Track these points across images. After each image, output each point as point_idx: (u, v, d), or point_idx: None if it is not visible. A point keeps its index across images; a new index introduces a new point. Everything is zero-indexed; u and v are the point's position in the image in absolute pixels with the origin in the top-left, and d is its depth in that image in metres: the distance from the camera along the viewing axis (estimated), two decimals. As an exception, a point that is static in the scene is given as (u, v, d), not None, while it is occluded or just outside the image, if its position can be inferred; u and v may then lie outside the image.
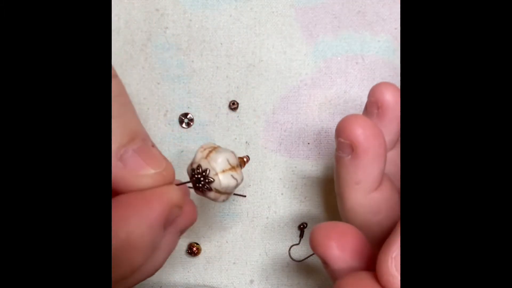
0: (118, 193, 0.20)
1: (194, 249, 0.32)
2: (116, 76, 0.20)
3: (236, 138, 0.32)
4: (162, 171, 0.21)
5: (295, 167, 0.32)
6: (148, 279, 0.32)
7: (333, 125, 0.31)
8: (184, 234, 0.32)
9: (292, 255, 0.32)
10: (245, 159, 0.25)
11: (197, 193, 0.23)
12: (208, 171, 0.22)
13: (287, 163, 0.32)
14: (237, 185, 0.23)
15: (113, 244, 0.18)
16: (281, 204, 0.32)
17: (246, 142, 0.32)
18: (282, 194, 0.32)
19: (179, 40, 0.31)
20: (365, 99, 0.31)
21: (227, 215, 0.32)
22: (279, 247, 0.32)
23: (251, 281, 0.32)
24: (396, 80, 0.31)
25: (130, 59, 0.31)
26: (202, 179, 0.22)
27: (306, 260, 0.32)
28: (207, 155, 0.23)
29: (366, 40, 0.31)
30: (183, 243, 0.32)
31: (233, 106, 0.31)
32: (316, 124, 0.31)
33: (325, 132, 0.31)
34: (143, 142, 0.21)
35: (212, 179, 0.22)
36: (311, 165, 0.32)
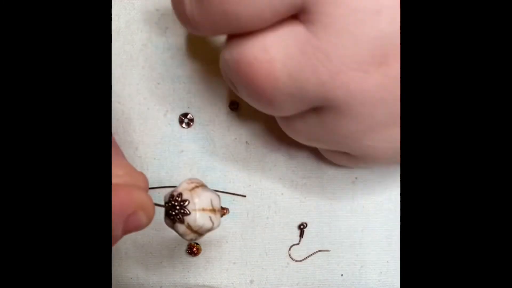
0: None
1: (194, 249, 0.32)
2: None
3: (236, 138, 0.32)
4: (132, 173, 0.21)
5: (295, 167, 0.32)
6: (148, 279, 0.32)
7: (333, 125, 0.31)
8: (184, 234, 0.32)
9: (292, 255, 0.32)
10: (225, 211, 0.24)
11: (166, 221, 0.22)
12: (187, 203, 0.21)
13: (287, 163, 0.32)
14: (210, 229, 0.22)
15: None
16: (281, 204, 0.32)
17: (246, 142, 0.32)
18: (282, 194, 0.32)
19: (179, 40, 0.31)
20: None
21: (227, 215, 0.32)
22: (279, 247, 0.32)
23: (251, 281, 0.32)
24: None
25: (130, 59, 0.31)
26: (178, 207, 0.21)
27: (306, 260, 0.32)
28: (193, 188, 0.22)
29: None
30: (183, 243, 0.32)
31: (233, 106, 0.31)
32: (316, 124, 0.31)
33: (325, 132, 0.31)
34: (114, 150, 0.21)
35: (188, 212, 0.21)
36: (311, 165, 0.32)
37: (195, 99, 0.32)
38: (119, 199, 0.19)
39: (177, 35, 0.31)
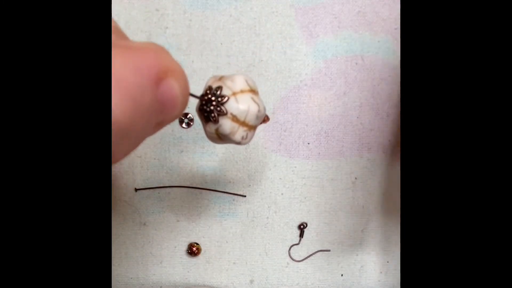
0: None
1: (194, 249, 0.32)
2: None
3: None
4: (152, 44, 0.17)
5: (295, 167, 0.32)
6: (148, 279, 0.32)
7: (333, 126, 0.31)
8: (184, 234, 0.32)
9: (292, 255, 0.32)
10: (265, 118, 0.19)
11: (206, 126, 0.18)
12: (221, 90, 0.17)
13: (287, 163, 0.32)
14: (259, 114, 0.18)
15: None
16: (281, 204, 0.32)
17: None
18: (282, 194, 0.32)
19: (179, 40, 0.31)
20: (364, 100, 0.31)
21: (227, 215, 0.32)
22: (279, 247, 0.32)
23: (251, 281, 0.32)
24: (396, 80, 0.31)
25: (130, 59, 0.31)
26: (213, 99, 0.17)
27: (306, 260, 0.32)
28: (220, 78, 0.18)
29: (365, 40, 0.31)
30: (183, 243, 0.32)
31: (233, 106, 0.31)
32: (316, 124, 0.31)
33: (325, 132, 0.31)
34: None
35: (226, 97, 0.17)
36: (311, 165, 0.32)
37: (195, 99, 0.32)
38: (146, 60, 0.16)
39: (177, 35, 0.31)
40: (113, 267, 0.32)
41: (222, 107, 0.17)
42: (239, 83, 0.17)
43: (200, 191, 0.31)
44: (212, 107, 0.17)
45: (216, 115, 0.17)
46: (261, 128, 0.32)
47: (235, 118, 0.17)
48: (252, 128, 0.18)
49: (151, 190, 0.31)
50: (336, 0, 0.31)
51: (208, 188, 0.31)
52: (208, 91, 0.17)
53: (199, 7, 0.31)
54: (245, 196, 0.32)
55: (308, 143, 0.31)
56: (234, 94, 0.17)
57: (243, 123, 0.17)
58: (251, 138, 0.18)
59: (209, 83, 0.18)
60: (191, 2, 0.31)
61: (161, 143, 0.32)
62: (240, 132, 0.18)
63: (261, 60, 0.31)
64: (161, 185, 0.31)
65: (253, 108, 0.17)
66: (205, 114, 0.17)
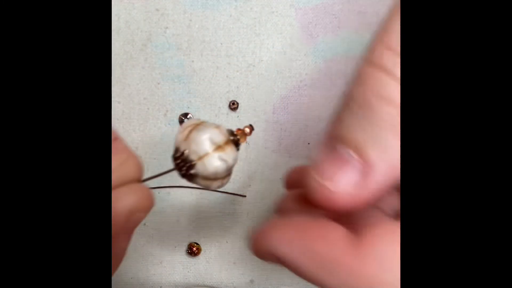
0: None
1: (194, 249, 0.32)
2: None
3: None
4: (119, 165, 0.19)
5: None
6: (148, 279, 0.32)
7: (333, 125, 0.31)
8: (184, 234, 0.32)
9: (292, 255, 0.32)
10: (246, 130, 0.21)
11: (187, 180, 0.20)
12: (188, 155, 0.19)
13: (287, 163, 0.32)
14: (228, 168, 0.20)
15: None
16: (281, 204, 0.32)
17: (246, 142, 0.32)
18: (282, 194, 0.32)
19: (179, 40, 0.31)
20: (365, 99, 0.31)
21: (227, 215, 0.32)
22: (279, 247, 0.32)
23: (251, 281, 0.32)
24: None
25: (130, 59, 0.31)
26: (182, 164, 0.19)
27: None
28: (187, 136, 0.19)
29: (366, 40, 0.31)
30: (183, 243, 0.32)
31: (233, 106, 0.31)
32: (316, 124, 0.31)
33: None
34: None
35: (193, 162, 0.19)
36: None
37: (195, 99, 0.32)
38: (114, 218, 0.18)
39: (177, 35, 0.31)
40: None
41: (192, 171, 0.19)
42: (203, 147, 0.19)
43: (200, 191, 0.31)
44: (184, 172, 0.19)
45: (188, 177, 0.19)
46: (261, 128, 0.32)
47: (205, 177, 0.19)
48: (226, 176, 0.20)
49: (151, 190, 0.31)
50: (336, 0, 0.31)
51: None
52: (178, 155, 0.19)
53: (199, 7, 0.31)
54: (245, 196, 0.32)
55: (308, 143, 0.31)
56: (200, 158, 0.19)
57: (214, 179, 0.19)
58: (228, 180, 0.21)
59: (178, 141, 0.19)
60: (191, 2, 0.31)
61: (161, 143, 0.32)
62: (215, 184, 0.20)
63: (261, 60, 0.31)
64: (161, 185, 0.31)
65: (221, 167, 0.19)
66: (181, 174, 0.20)
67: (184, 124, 0.20)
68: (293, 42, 0.31)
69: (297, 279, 0.32)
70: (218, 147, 0.19)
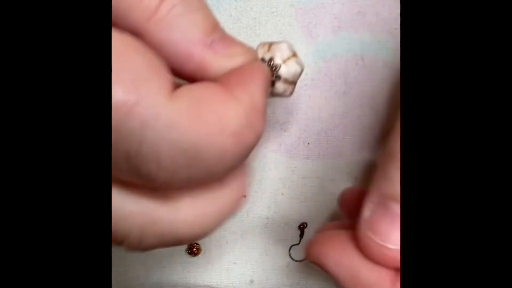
0: (209, 79, 0.19)
1: (194, 249, 0.32)
2: None
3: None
4: (247, 52, 0.20)
5: (295, 167, 0.32)
6: (148, 279, 0.32)
7: (333, 126, 0.31)
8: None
9: (292, 255, 0.32)
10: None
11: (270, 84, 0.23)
12: (273, 60, 0.22)
13: (287, 163, 0.32)
14: (301, 72, 0.23)
15: (245, 104, 0.17)
16: (281, 204, 0.32)
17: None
18: (282, 194, 0.32)
19: (179, 40, 0.31)
20: (364, 100, 0.31)
21: (227, 215, 0.32)
22: (279, 247, 0.32)
23: (251, 281, 0.32)
24: (396, 80, 0.31)
25: (130, 59, 0.31)
26: (271, 69, 0.22)
27: (306, 260, 0.32)
28: (269, 48, 0.23)
29: (366, 40, 0.31)
30: (183, 243, 0.32)
31: (233, 106, 0.31)
32: (316, 124, 0.31)
33: (325, 132, 0.31)
34: (222, 32, 0.20)
35: (279, 66, 0.22)
36: (311, 165, 0.32)
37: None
38: (262, 80, 0.19)
39: (177, 35, 0.31)
40: (113, 267, 0.32)
41: (277, 74, 0.22)
42: (285, 52, 0.22)
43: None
44: (272, 77, 0.22)
45: (273, 80, 0.22)
46: (261, 128, 0.32)
47: (286, 80, 0.22)
48: (295, 83, 0.23)
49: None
50: (336, 0, 0.31)
51: (208, 188, 0.31)
52: (266, 63, 0.22)
53: (199, 7, 0.31)
54: (245, 196, 0.32)
55: (308, 143, 0.31)
56: (284, 61, 0.22)
57: (291, 82, 0.23)
58: (294, 89, 0.24)
59: (261, 54, 0.23)
60: (191, 2, 0.31)
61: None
62: (290, 88, 0.23)
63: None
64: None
65: (299, 70, 0.23)
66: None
67: (259, 44, 0.23)
68: (293, 42, 0.31)
69: (297, 279, 0.33)
70: (294, 55, 0.23)
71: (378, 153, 0.32)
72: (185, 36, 0.18)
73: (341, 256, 0.20)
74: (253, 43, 0.31)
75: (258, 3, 0.31)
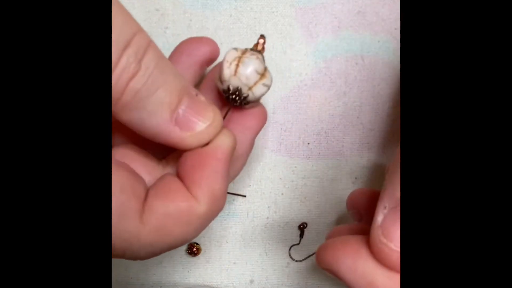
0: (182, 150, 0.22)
1: (194, 249, 0.32)
2: (150, 43, 0.20)
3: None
4: (212, 122, 0.21)
5: (295, 167, 0.32)
6: (148, 279, 0.32)
7: (333, 126, 0.31)
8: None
9: (292, 255, 0.32)
10: (260, 41, 0.24)
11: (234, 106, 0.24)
12: (240, 90, 0.22)
13: (287, 163, 0.32)
14: (268, 90, 0.23)
15: (205, 203, 0.20)
16: (281, 204, 0.32)
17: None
18: (282, 194, 0.32)
19: (179, 40, 0.31)
20: (364, 100, 0.31)
21: (227, 215, 0.32)
22: (279, 247, 0.32)
23: (251, 281, 0.32)
24: (396, 80, 0.31)
25: (130, 59, 0.31)
26: (237, 98, 0.22)
27: (306, 260, 0.32)
28: (235, 70, 0.22)
29: (366, 40, 0.31)
30: (183, 243, 0.32)
31: (233, 106, 0.31)
32: (316, 124, 0.31)
33: (325, 132, 0.31)
34: (189, 97, 0.21)
35: (246, 95, 0.22)
36: (311, 165, 0.32)
37: (195, 99, 0.32)
38: (221, 167, 0.21)
39: (177, 35, 0.31)
40: (113, 267, 0.32)
41: (245, 101, 0.23)
42: (252, 78, 0.22)
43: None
44: (238, 103, 0.23)
45: (243, 104, 0.23)
46: (261, 128, 0.32)
47: (253, 102, 0.23)
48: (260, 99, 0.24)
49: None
50: (336, 0, 0.31)
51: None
52: (231, 91, 0.22)
53: (199, 7, 0.31)
54: (245, 196, 0.32)
55: (308, 143, 0.31)
56: (250, 88, 0.22)
57: (257, 100, 0.23)
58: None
59: (227, 78, 0.22)
60: (191, 2, 0.31)
61: (161, 143, 0.32)
62: (255, 105, 0.24)
63: (261, 60, 0.31)
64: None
65: (265, 91, 0.23)
66: (235, 105, 0.23)
67: (227, 57, 0.22)
68: (293, 42, 0.31)
69: (297, 279, 0.33)
70: (261, 76, 0.22)
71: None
72: (150, 118, 0.20)
73: (355, 262, 0.20)
74: (253, 43, 0.31)
75: (258, 3, 0.31)
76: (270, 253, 0.32)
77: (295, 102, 0.31)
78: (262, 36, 0.24)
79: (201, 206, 0.20)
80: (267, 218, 0.32)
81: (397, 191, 0.18)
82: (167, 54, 0.31)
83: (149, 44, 0.19)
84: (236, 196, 0.32)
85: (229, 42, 0.31)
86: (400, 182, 0.18)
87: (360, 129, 0.31)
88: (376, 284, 0.19)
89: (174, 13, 0.31)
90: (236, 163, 0.24)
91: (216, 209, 0.21)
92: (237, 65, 0.22)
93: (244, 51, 0.23)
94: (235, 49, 0.23)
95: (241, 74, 0.22)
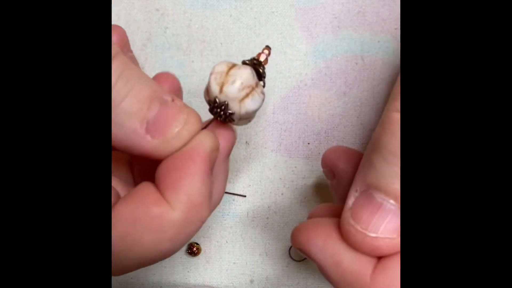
0: (157, 161, 0.20)
1: (194, 249, 0.32)
2: (117, 54, 0.19)
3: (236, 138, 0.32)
4: (185, 125, 0.20)
5: (295, 167, 0.32)
6: (148, 279, 0.32)
7: (333, 126, 0.31)
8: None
9: (292, 255, 0.32)
10: (265, 52, 0.23)
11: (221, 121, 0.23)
12: (227, 105, 0.21)
13: (287, 163, 0.32)
14: (260, 105, 0.22)
15: (180, 209, 0.19)
16: (281, 204, 0.32)
17: (246, 142, 0.32)
18: (282, 194, 0.32)
19: (179, 40, 0.31)
20: (364, 100, 0.31)
21: (227, 215, 0.32)
22: (279, 247, 0.32)
23: (251, 281, 0.32)
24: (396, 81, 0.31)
25: (130, 59, 0.31)
26: (222, 113, 0.21)
27: (306, 260, 0.32)
28: (222, 86, 0.21)
29: (366, 40, 0.31)
30: (183, 243, 0.32)
31: (233, 106, 0.31)
32: (316, 124, 0.31)
33: (325, 132, 0.31)
34: (159, 103, 0.20)
35: (232, 112, 0.21)
36: (311, 165, 0.32)
37: (195, 99, 0.32)
38: (201, 168, 0.20)
39: (177, 35, 0.31)
40: (113, 267, 0.32)
41: (229, 118, 0.22)
42: (238, 93, 0.21)
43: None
44: (223, 118, 0.22)
45: (229, 120, 0.22)
46: (261, 128, 0.32)
47: (240, 118, 0.22)
48: (253, 117, 0.23)
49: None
50: (336, 0, 0.31)
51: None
52: (217, 105, 0.21)
53: (199, 7, 0.31)
54: (245, 196, 0.32)
55: (308, 143, 0.31)
56: (236, 104, 0.21)
57: (246, 118, 0.22)
58: (252, 119, 0.23)
59: (214, 93, 0.21)
60: (191, 2, 0.31)
61: (161, 143, 0.32)
62: (245, 123, 0.23)
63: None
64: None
65: (253, 107, 0.21)
66: (220, 120, 0.22)
67: (215, 70, 0.21)
68: (293, 42, 0.31)
69: (297, 279, 0.33)
70: (251, 89, 0.21)
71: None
72: (120, 130, 0.19)
73: (325, 243, 0.20)
74: (253, 43, 0.31)
75: (258, 3, 0.31)
76: (270, 253, 0.32)
77: (295, 102, 0.31)
78: (267, 47, 0.23)
79: (175, 212, 0.19)
80: (267, 218, 0.32)
81: (368, 176, 0.19)
82: (167, 54, 0.31)
83: (114, 55, 0.19)
84: (236, 196, 0.32)
85: (229, 42, 0.31)
86: (371, 167, 0.18)
87: (360, 129, 0.31)
88: (342, 264, 0.19)
89: (174, 13, 0.31)
90: (213, 185, 0.22)
91: (195, 216, 0.19)
92: (223, 83, 0.21)
93: (233, 66, 0.21)
94: (225, 62, 0.22)
95: (228, 90, 0.21)
